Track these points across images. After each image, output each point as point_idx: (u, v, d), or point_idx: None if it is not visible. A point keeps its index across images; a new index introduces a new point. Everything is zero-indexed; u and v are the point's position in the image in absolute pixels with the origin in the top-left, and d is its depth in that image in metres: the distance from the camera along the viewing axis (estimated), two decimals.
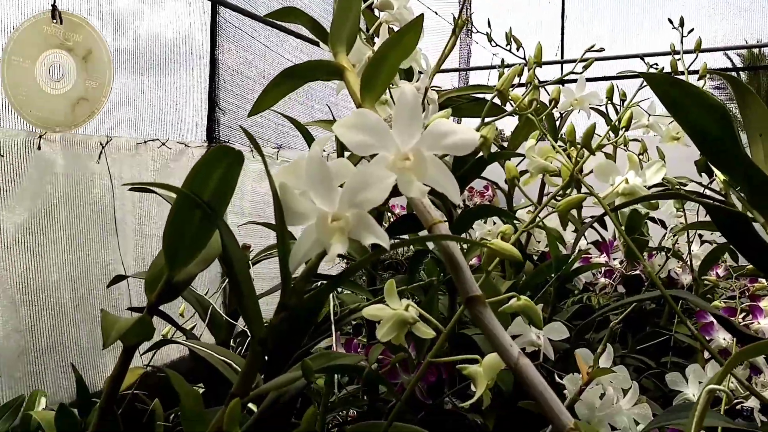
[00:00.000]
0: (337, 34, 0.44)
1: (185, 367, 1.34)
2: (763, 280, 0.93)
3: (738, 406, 0.62)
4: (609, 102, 0.81)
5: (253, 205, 1.92)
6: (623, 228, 0.94)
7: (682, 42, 0.85)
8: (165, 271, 0.35)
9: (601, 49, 0.72)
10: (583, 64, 0.68)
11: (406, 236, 0.96)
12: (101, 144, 1.35)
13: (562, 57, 2.32)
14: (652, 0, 2.43)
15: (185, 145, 1.62)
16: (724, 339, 0.82)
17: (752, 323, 0.83)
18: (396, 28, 0.57)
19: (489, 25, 0.97)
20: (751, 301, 0.86)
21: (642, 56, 1.06)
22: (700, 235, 1.10)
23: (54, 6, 0.87)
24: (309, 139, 0.70)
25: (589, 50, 0.72)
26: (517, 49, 0.95)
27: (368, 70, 0.39)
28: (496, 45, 0.91)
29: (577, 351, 0.57)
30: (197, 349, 0.48)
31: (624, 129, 0.47)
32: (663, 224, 1.11)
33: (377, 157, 0.32)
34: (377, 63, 0.39)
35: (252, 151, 1.89)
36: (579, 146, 0.43)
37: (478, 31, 1.07)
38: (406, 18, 0.54)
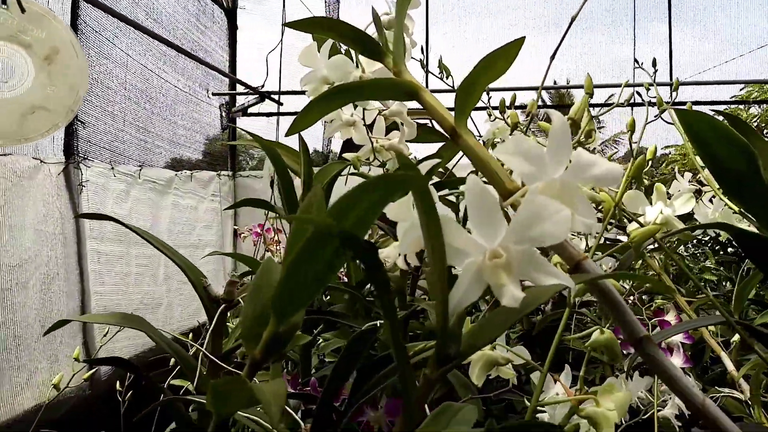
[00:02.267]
0: (399, 52, 0.40)
1: None
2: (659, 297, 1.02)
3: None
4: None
5: (114, 228, 1.73)
6: None
7: None
8: (272, 321, 0.29)
9: None
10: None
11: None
12: None
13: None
14: None
15: (41, 161, 1.42)
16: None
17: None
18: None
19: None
20: (656, 315, 0.94)
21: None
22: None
23: None
24: (276, 158, 0.64)
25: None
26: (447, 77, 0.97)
27: (461, 94, 0.36)
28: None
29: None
30: None
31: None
32: None
33: (532, 188, 0.30)
34: (468, 86, 0.36)
35: (113, 169, 1.72)
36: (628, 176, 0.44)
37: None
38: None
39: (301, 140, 0.68)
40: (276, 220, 1.77)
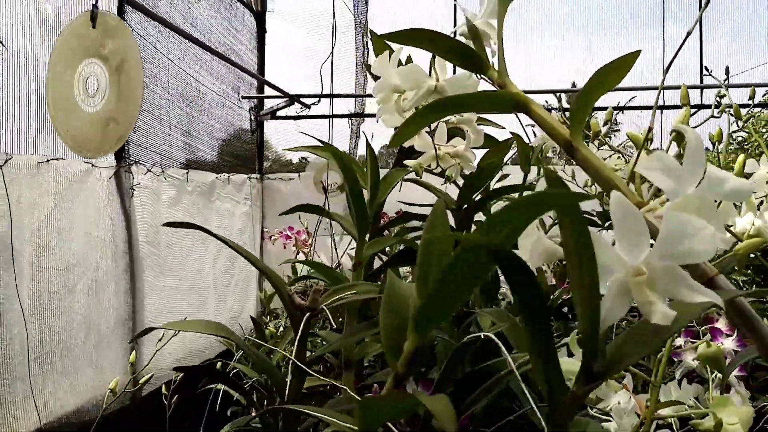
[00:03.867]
0: (504, 65, 0.40)
1: None
2: None
3: None
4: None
5: (164, 234, 1.75)
6: None
7: None
8: (413, 335, 0.29)
9: None
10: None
11: None
12: None
13: None
14: None
15: (92, 165, 1.44)
16: (693, 360, 0.87)
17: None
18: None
19: None
20: (707, 323, 0.93)
21: None
22: None
23: (95, 6, 0.71)
24: (347, 167, 0.64)
25: None
26: None
27: (575, 107, 0.36)
28: None
29: None
30: None
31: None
32: None
33: (672, 203, 0.30)
34: (583, 99, 0.36)
35: (163, 172, 1.74)
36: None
37: None
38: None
39: (369, 148, 0.68)
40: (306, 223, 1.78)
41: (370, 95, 2.18)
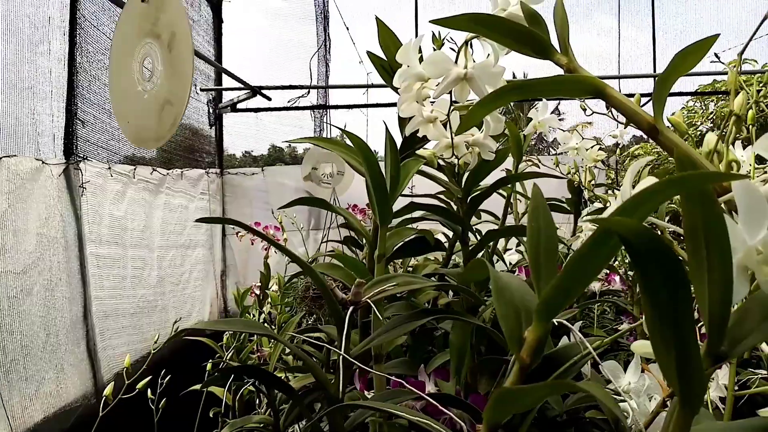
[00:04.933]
0: (567, 47, 0.40)
1: None
2: None
3: None
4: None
5: (111, 230, 1.67)
6: None
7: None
8: (538, 323, 0.29)
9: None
10: None
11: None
12: None
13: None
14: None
15: (43, 162, 1.36)
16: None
17: None
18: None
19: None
20: None
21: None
22: None
23: None
24: (371, 159, 0.63)
25: None
26: None
27: (657, 89, 0.36)
28: None
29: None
30: None
31: None
32: None
33: None
34: (663, 81, 0.36)
35: (109, 168, 1.66)
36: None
37: None
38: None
39: (389, 137, 0.67)
40: (280, 218, 1.74)
41: (360, 86, 2.15)
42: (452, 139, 0.69)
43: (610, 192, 1.21)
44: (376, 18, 0.76)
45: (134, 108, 0.80)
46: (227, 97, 2.27)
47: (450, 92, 0.58)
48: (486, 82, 0.57)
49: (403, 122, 0.78)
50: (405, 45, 0.60)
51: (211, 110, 2.23)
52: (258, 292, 1.63)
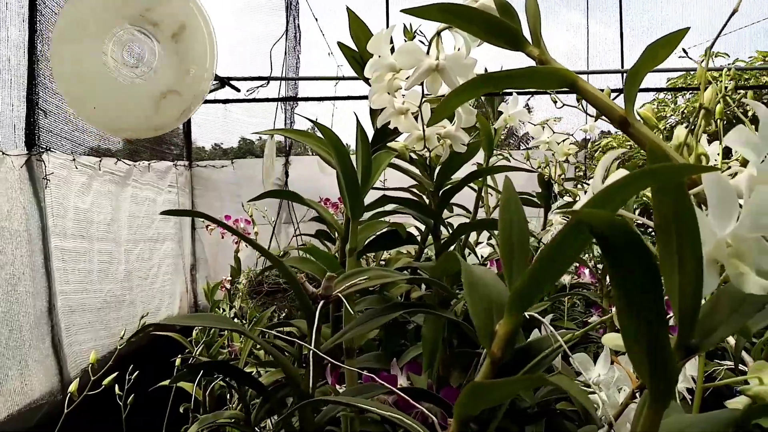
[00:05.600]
0: (539, 39, 0.40)
1: None
2: None
3: None
4: None
5: (76, 223, 1.63)
6: None
7: None
8: (509, 316, 0.28)
9: None
10: None
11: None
12: None
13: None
14: None
15: (2, 153, 1.32)
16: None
17: None
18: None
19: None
20: None
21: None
22: None
23: None
24: (341, 151, 0.62)
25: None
26: None
27: (628, 83, 0.36)
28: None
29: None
30: None
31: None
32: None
33: (757, 176, 0.30)
34: (634, 74, 0.36)
35: (74, 160, 1.62)
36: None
37: None
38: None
39: (360, 129, 0.66)
40: (251, 211, 1.72)
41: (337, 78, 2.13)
42: (424, 131, 0.68)
43: (579, 186, 1.22)
44: (347, 8, 0.75)
45: (106, 94, 0.77)
46: None
47: (422, 84, 0.58)
48: (458, 74, 0.56)
49: (374, 114, 0.77)
50: (376, 35, 0.59)
51: None
52: (228, 286, 1.61)
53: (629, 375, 0.61)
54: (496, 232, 1.02)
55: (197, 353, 1.02)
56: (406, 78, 0.59)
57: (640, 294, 0.27)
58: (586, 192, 1.13)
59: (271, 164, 1.88)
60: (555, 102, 0.84)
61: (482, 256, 1.11)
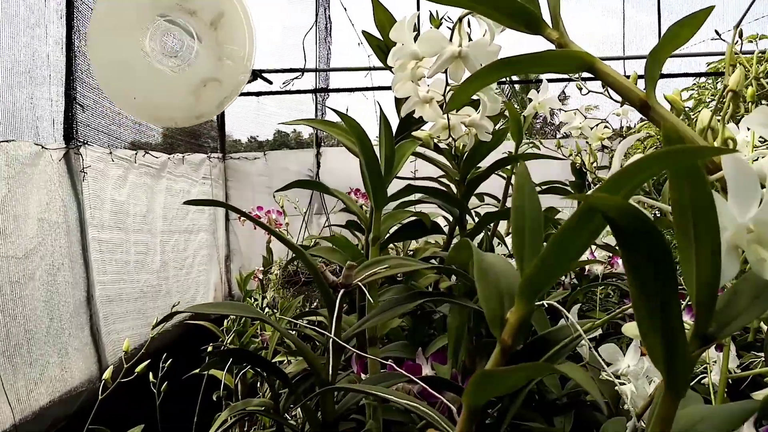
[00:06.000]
0: (563, 25, 0.39)
1: None
2: None
3: None
4: None
5: (113, 215, 1.67)
6: None
7: None
8: (519, 304, 0.28)
9: None
10: None
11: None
12: None
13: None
14: None
15: (42, 147, 1.36)
16: None
17: None
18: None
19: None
20: None
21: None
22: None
23: None
24: (364, 140, 0.62)
25: None
26: None
27: (650, 64, 0.35)
28: None
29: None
30: None
31: None
32: None
33: None
34: (656, 55, 0.35)
35: (110, 153, 1.66)
36: None
37: None
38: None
39: (384, 119, 0.66)
40: (282, 202, 1.73)
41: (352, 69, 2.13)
42: (449, 120, 0.68)
43: None
44: None
45: (146, 85, 0.78)
46: None
47: (445, 72, 0.57)
48: (481, 61, 0.55)
49: (399, 103, 0.77)
50: (398, 23, 0.59)
51: None
52: (261, 276, 1.63)
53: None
54: None
55: (228, 342, 1.04)
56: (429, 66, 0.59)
57: (653, 281, 0.26)
58: None
59: None
60: (580, 89, 0.82)
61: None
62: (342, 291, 0.50)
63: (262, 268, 1.62)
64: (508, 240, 1.14)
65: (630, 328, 0.37)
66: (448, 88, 0.66)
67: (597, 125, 1.11)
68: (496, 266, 0.31)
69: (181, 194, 2.11)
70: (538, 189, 0.98)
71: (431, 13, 0.92)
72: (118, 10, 0.76)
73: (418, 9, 2.32)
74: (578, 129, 1.12)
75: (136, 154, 1.80)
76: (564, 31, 0.39)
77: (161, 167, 1.96)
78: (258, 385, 1.21)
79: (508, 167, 0.98)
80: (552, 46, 0.39)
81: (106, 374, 0.83)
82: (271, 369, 0.51)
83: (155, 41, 0.75)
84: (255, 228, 1.84)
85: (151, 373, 1.03)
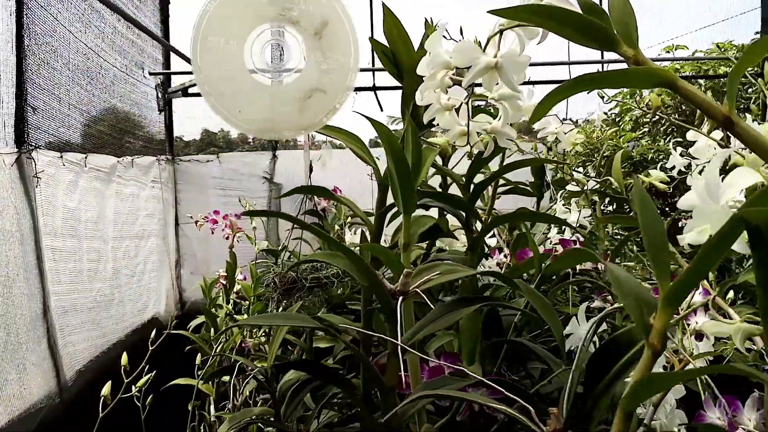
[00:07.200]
0: (633, 38, 0.41)
1: None
2: None
3: None
4: None
5: (65, 222, 1.59)
6: None
7: None
8: (664, 309, 0.30)
9: None
10: None
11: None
12: None
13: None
14: None
15: None
16: None
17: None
18: None
19: None
20: None
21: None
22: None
23: None
24: (394, 145, 0.62)
25: None
26: None
27: (731, 81, 0.38)
28: None
29: None
30: None
31: None
32: None
33: None
34: (735, 73, 0.38)
35: (61, 157, 1.58)
36: None
37: None
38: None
39: (411, 122, 0.67)
40: (247, 204, 1.70)
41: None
42: (468, 127, 0.69)
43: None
44: (383, 5, 0.75)
45: (251, 97, 0.75)
46: (177, 81, 2.19)
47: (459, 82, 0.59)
48: (512, 71, 0.57)
49: (406, 106, 0.78)
50: (433, 34, 0.60)
51: (159, 95, 2.14)
52: (224, 282, 1.59)
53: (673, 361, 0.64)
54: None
55: (217, 350, 1.02)
56: (450, 75, 0.60)
57: None
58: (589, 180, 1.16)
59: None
60: (602, 98, 0.86)
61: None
62: (401, 298, 0.50)
63: (224, 273, 1.59)
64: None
65: (709, 327, 0.40)
66: (467, 97, 0.67)
67: (570, 131, 1.15)
68: (627, 279, 0.33)
69: (130, 198, 2.03)
70: (501, 190, 1.02)
71: (426, 20, 0.93)
72: (222, 22, 0.73)
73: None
74: (554, 134, 1.17)
75: (86, 157, 1.72)
76: (639, 48, 0.41)
77: (111, 171, 1.88)
78: (231, 393, 1.19)
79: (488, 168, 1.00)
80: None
81: (105, 390, 0.80)
82: (334, 379, 0.51)
83: (259, 53, 0.72)
84: (212, 232, 1.79)
85: (133, 386, 0.98)
